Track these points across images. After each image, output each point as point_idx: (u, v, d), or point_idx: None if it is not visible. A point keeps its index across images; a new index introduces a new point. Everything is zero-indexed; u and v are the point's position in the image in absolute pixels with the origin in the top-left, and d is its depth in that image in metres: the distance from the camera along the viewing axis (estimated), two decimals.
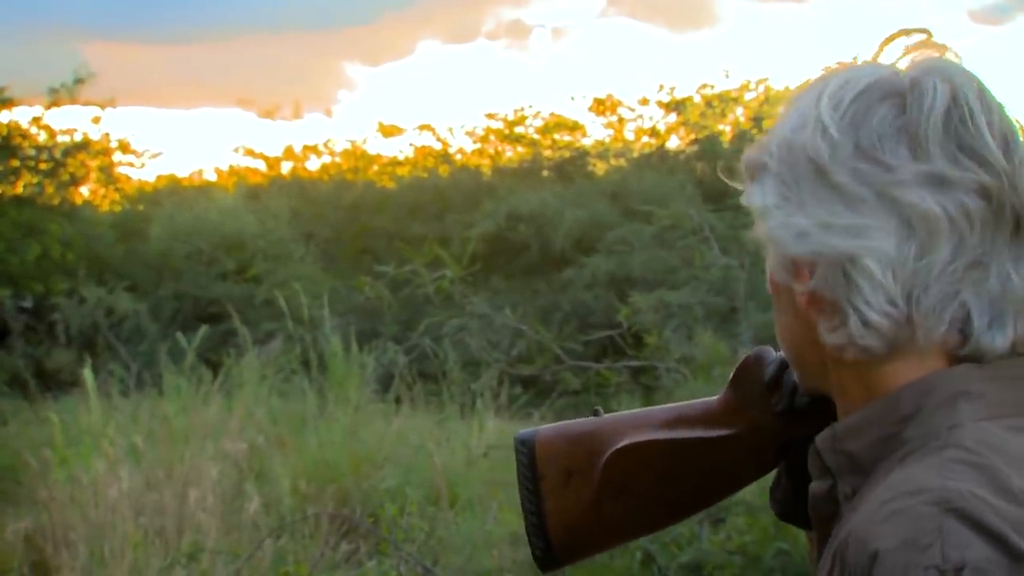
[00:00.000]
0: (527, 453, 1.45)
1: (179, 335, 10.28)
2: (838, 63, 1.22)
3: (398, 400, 9.82)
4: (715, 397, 1.46)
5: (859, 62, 1.21)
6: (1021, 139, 1.16)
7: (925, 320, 1.13)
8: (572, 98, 19.82)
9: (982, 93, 1.15)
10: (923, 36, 1.21)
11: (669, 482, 1.44)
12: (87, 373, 9.04)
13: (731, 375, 1.45)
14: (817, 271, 1.16)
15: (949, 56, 1.19)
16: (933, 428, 1.12)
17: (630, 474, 1.43)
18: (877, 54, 1.22)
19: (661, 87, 17.41)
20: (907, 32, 1.22)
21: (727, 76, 17.41)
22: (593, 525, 1.44)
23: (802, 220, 1.16)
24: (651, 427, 1.45)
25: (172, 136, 36.79)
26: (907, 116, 1.13)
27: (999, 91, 1.17)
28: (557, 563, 1.47)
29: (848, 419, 1.19)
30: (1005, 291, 1.14)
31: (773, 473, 1.47)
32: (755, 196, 1.22)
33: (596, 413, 1.49)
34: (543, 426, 1.49)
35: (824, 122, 1.15)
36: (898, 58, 1.21)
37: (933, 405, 1.13)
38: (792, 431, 1.38)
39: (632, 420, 1.47)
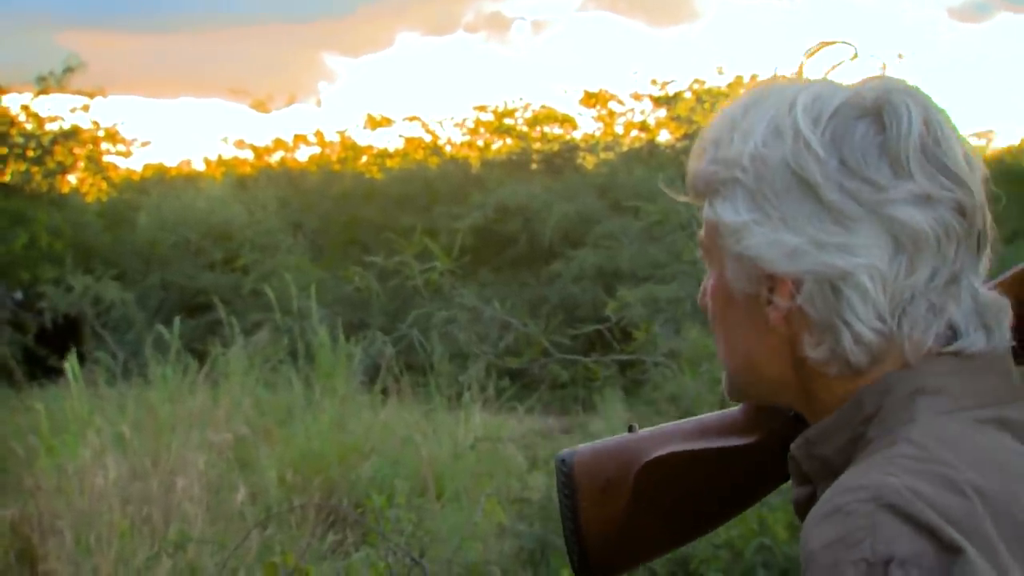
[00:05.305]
0: (566, 471, 1.48)
1: (161, 328, 10.24)
2: (763, 78, 1.25)
3: (385, 391, 9.82)
4: (738, 407, 1.47)
5: (781, 76, 1.22)
6: (975, 158, 1.18)
7: (912, 332, 1.15)
8: (565, 91, 19.83)
9: (944, 114, 1.18)
10: (852, 50, 1.22)
11: (696, 493, 1.46)
12: (69, 362, 9.02)
13: None
14: (804, 288, 1.16)
15: (892, 75, 1.20)
16: (891, 425, 1.14)
17: (659, 487, 1.46)
18: (801, 67, 1.23)
19: (654, 82, 17.42)
20: (829, 44, 1.23)
21: (721, 72, 17.39)
22: (627, 538, 1.47)
23: (791, 237, 1.15)
24: (678, 439, 1.47)
25: (154, 125, 36.77)
26: (886, 135, 1.14)
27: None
28: None
29: (819, 424, 1.21)
30: (976, 303, 1.17)
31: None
32: (726, 212, 1.20)
33: (631, 429, 1.51)
34: (582, 445, 1.52)
35: (806, 137, 1.15)
36: (828, 70, 1.22)
37: (892, 403, 1.15)
38: None
39: (662, 434, 1.49)
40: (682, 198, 1.29)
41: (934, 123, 1.16)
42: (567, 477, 1.47)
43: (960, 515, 1.03)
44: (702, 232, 1.26)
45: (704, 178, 1.23)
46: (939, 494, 1.04)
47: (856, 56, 1.22)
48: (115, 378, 10.01)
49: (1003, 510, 1.06)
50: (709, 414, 1.51)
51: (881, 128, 1.15)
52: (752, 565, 5.35)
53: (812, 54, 1.23)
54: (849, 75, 1.22)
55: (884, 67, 1.22)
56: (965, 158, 1.17)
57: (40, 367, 12.15)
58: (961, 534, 1.01)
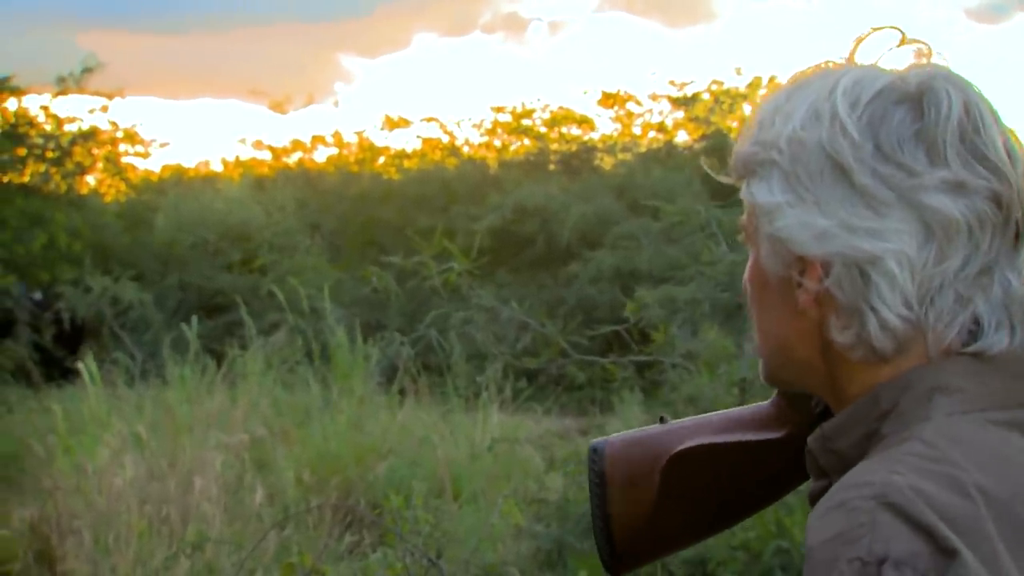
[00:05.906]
0: (598, 461, 1.48)
1: (183, 326, 10.27)
2: (812, 66, 1.22)
3: (402, 392, 9.82)
4: (768, 401, 1.47)
5: (830, 64, 1.21)
6: (1017, 149, 1.17)
7: (936, 323, 1.15)
8: (584, 92, 19.84)
9: (986, 102, 1.17)
10: (900, 35, 1.22)
11: (723, 485, 1.47)
12: (85, 363, 9.04)
13: None
14: (832, 271, 1.16)
15: (938, 60, 1.20)
16: (905, 423, 1.14)
17: (685, 479, 1.46)
18: (852, 53, 1.22)
19: (672, 82, 17.42)
20: (879, 30, 1.22)
21: (739, 73, 17.37)
22: (654, 529, 1.47)
23: (822, 220, 1.15)
24: (707, 432, 1.47)
25: (172, 126, 36.86)
26: (924, 122, 1.14)
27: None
28: (622, 567, 1.50)
29: (835, 419, 1.21)
30: (1007, 297, 1.16)
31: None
32: (761, 193, 1.20)
33: (663, 420, 1.51)
34: (615, 434, 1.52)
35: (843, 120, 1.14)
36: (880, 56, 1.21)
37: (909, 400, 1.15)
38: None
39: (691, 426, 1.49)
40: (723, 179, 1.28)
41: (975, 111, 1.15)
42: (599, 467, 1.47)
43: (961, 517, 1.03)
44: (743, 216, 1.26)
45: (744, 159, 1.23)
46: (942, 494, 1.04)
47: (904, 41, 1.21)
48: (133, 379, 10.03)
49: (1007, 512, 1.06)
50: (740, 407, 1.51)
51: (920, 114, 1.15)
52: (770, 567, 5.33)
53: (862, 40, 1.22)
54: (901, 62, 1.21)
55: (929, 54, 1.21)
56: (1006, 148, 1.16)
57: (58, 368, 12.21)
58: (960, 536, 1.01)
